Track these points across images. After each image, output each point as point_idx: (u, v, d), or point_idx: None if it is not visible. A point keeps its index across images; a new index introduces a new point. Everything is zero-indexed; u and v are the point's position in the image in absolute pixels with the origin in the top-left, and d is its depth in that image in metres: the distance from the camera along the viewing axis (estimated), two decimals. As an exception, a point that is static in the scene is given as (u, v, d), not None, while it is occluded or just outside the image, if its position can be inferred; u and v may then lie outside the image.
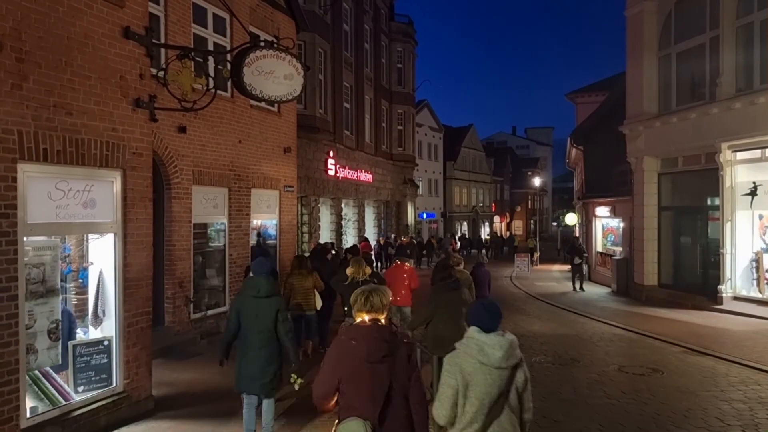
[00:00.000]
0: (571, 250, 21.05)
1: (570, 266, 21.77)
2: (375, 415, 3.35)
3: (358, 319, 3.63)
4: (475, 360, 3.40)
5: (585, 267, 25.53)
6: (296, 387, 5.78)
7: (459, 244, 37.69)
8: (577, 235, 25.64)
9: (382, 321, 3.60)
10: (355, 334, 3.53)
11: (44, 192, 5.66)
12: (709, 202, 15.45)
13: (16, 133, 5.24)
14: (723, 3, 14.17)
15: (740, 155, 14.01)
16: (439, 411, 3.45)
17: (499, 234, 54.54)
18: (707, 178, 14.88)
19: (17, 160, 5.26)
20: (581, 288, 20.17)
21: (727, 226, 14.12)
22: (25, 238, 5.42)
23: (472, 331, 3.53)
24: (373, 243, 24.46)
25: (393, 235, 28.15)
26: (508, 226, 65.76)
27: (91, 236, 6.61)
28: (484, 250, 38.87)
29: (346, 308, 8.11)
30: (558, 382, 8.48)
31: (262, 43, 8.04)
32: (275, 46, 8.16)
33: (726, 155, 14.02)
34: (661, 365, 9.28)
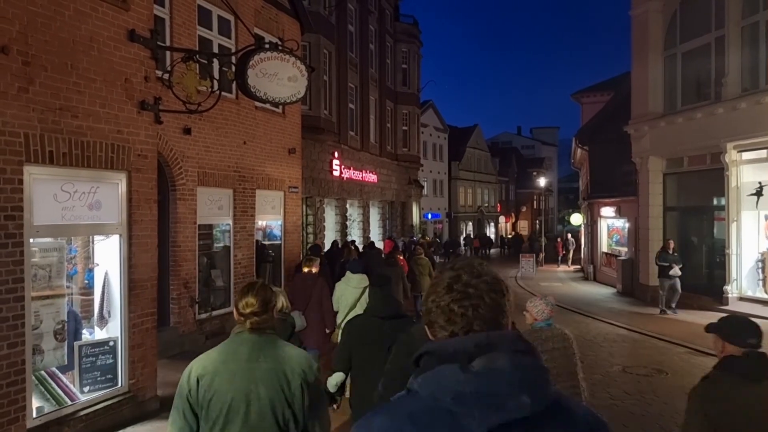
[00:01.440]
0: (663, 255, 14.41)
1: (658, 279, 14.79)
2: (303, 308, 7.13)
3: (305, 270, 7.92)
4: (345, 285, 7.58)
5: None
6: None
7: (480, 242, 43.58)
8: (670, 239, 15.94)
9: (313, 270, 7.81)
10: (299, 275, 8.06)
11: (50, 194, 5.71)
12: (714, 202, 15.40)
13: (23, 135, 5.29)
14: (728, 3, 14.12)
15: (746, 155, 13.96)
16: (333, 305, 7.51)
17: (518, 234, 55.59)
18: (713, 179, 14.83)
19: (23, 162, 5.31)
20: (668, 309, 14.41)
21: (733, 227, 14.07)
22: (31, 240, 5.47)
23: (348, 273, 7.71)
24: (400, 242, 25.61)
25: (421, 235, 31.72)
26: (514, 227, 65.63)
27: (96, 237, 6.67)
28: (506, 248, 48.02)
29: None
30: (562, 382, 8.48)
31: (267, 45, 8.09)
32: (279, 48, 8.21)
33: (731, 155, 13.98)
34: (666, 366, 9.27)
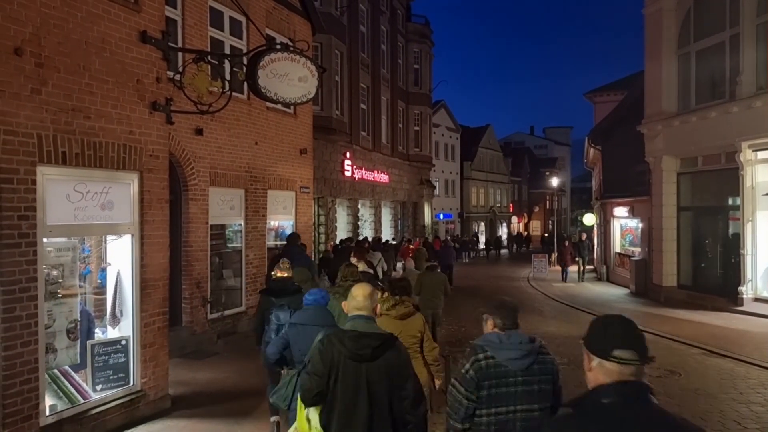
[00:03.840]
0: None
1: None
2: None
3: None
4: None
5: (603, 267, 25.30)
6: None
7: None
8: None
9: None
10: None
11: (63, 194, 5.76)
12: (729, 202, 15.23)
13: (36, 136, 5.35)
14: (743, 0, 13.97)
15: (761, 154, 13.79)
16: None
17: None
18: (727, 178, 14.68)
19: (37, 163, 5.37)
20: None
21: (748, 227, 13.92)
22: (44, 240, 5.53)
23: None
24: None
25: (457, 234, 39.29)
26: (526, 227, 65.38)
27: (108, 237, 6.72)
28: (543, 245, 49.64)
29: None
30: (573, 384, 8.40)
31: (278, 46, 8.12)
32: (290, 48, 8.24)
33: (746, 154, 13.82)
34: (679, 367, 9.18)
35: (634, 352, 2.00)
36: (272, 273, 6.59)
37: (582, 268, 24.37)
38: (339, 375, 3.34)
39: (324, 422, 3.39)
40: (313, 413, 3.44)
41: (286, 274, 6.28)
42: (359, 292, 3.57)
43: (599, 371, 2.04)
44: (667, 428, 1.97)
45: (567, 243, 25.54)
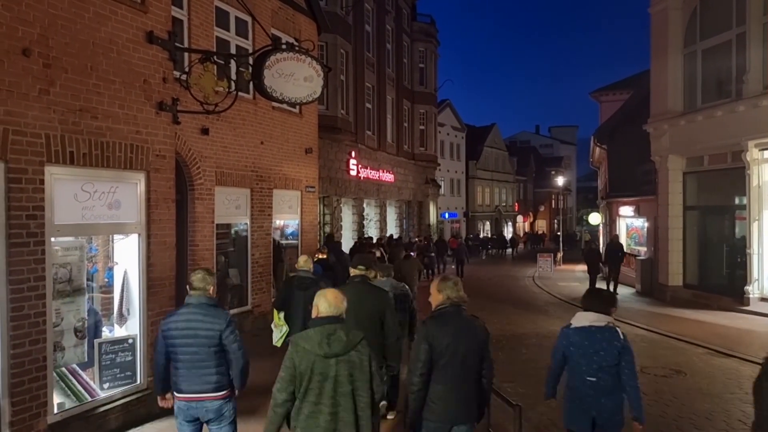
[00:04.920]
0: None
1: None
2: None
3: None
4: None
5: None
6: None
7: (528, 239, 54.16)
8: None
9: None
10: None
11: (71, 194, 5.80)
12: (735, 201, 15.19)
13: (44, 136, 5.39)
14: (750, -1, 13.93)
15: (767, 154, 13.75)
16: None
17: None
18: (733, 177, 14.63)
19: (44, 162, 5.41)
20: None
21: (754, 226, 13.86)
22: (52, 239, 5.57)
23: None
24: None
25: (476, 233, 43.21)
26: (532, 226, 65.29)
27: (116, 236, 6.77)
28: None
29: None
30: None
31: (283, 46, 8.16)
32: (296, 48, 8.27)
33: (753, 154, 13.76)
34: (685, 367, 9.18)
35: (365, 267, 5.62)
36: (315, 256, 9.82)
37: (614, 276, 18.92)
38: (292, 296, 7.07)
39: (285, 318, 7.16)
40: (282, 314, 7.24)
41: (324, 257, 9.69)
42: (301, 260, 7.47)
43: (356, 274, 5.50)
44: (372, 291, 5.43)
45: (594, 245, 20.21)
